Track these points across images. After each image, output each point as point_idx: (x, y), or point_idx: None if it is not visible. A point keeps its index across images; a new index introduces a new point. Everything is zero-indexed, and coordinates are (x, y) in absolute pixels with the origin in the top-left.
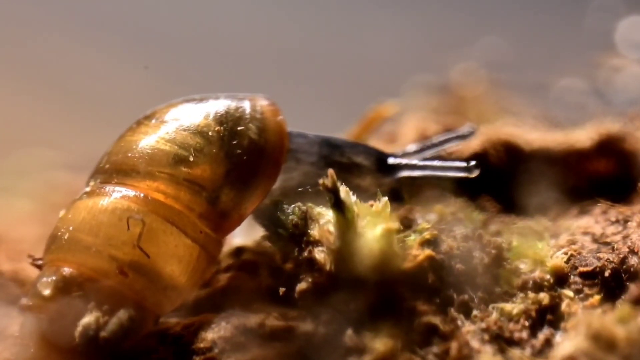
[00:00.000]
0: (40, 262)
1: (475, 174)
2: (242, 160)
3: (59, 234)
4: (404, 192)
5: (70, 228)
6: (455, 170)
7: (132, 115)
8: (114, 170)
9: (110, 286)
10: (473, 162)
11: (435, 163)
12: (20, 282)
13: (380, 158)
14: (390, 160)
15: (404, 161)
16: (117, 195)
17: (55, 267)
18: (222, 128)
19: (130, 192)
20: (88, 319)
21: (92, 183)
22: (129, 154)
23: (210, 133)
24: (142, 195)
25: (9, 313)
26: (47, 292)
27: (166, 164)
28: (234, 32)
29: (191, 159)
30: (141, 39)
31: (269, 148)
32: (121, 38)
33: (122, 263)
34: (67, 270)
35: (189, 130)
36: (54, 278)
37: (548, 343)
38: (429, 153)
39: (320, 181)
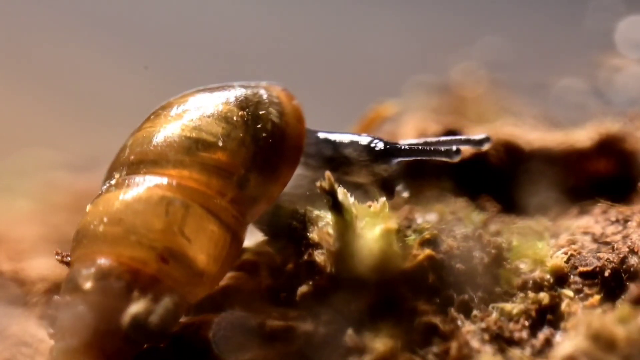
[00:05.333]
0: (68, 259)
1: (456, 159)
2: (268, 143)
3: (92, 227)
4: (397, 184)
5: (105, 220)
6: (438, 154)
7: (132, 115)
8: (140, 160)
9: (150, 274)
10: (455, 148)
11: (423, 147)
12: (20, 282)
13: (369, 146)
14: (381, 146)
15: (394, 146)
16: (150, 183)
17: (90, 260)
18: (245, 112)
19: (163, 180)
20: (137, 307)
21: (116, 176)
22: (154, 143)
23: (234, 118)
24: (174, 182)
25: (9, 313)
26: (86, 284)
27: (195, 150)
28: (233, 33)
29: (220, 144)
30: (141, 39)
31: (290, 131)
32: (121, 38)
33: (162, 250)
34: (105, 262)
35: (213, 117)
36: (93, 270)
37: (548, 343)
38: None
39: (318, 183)
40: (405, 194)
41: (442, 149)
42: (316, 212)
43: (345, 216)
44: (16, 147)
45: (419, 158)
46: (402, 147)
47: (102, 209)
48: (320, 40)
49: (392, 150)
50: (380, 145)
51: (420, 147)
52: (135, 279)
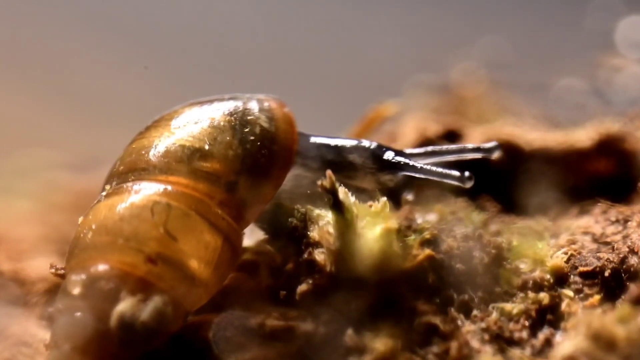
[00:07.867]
0: (63, 272)
1: (469, 185)
2: (256, 147)
3: (81, 236)
4: (403, 192)
5: (93, 227)
6: (451, 178)
7: (132, 115)
8: (129, 170)
9: (140, 277)
10: (468, 173)
11: (434, 168)
12: (20, 282)
13: (376, 154)
14: (389, 156)
15: (403, 160)
16: (137, 189)
17: (81, 267)
18: (232, 118)
19: (150, 185)
20: (123, 305)
21: (107, 187)
22: (143, 152)
23: (222, 123)
24: (161, 187)
25: (9, 313)
26: (77, 290)
27: (182, 155)
28: (233, 33)
29: (206, 147)
30: (141, 39)
31: (281, 135)
32: (121, 38)
33: (150, 253)
34: (94, 267)
35: (201, 124)
36: (83, 276)
37: (548, 343)
38: (438, 159)
39: (319, 182)
40: (410, 197)
41: (455, 173)
42: (317, 211)
43: (345, 215)
44: (16, 147)
45: (429, 178)
46: (412, 164)
47: (91, 218)
48: (320, 40)
49: (401, 164)
50: (389, 155)
51: (432, 169)
52: (125, 281)
